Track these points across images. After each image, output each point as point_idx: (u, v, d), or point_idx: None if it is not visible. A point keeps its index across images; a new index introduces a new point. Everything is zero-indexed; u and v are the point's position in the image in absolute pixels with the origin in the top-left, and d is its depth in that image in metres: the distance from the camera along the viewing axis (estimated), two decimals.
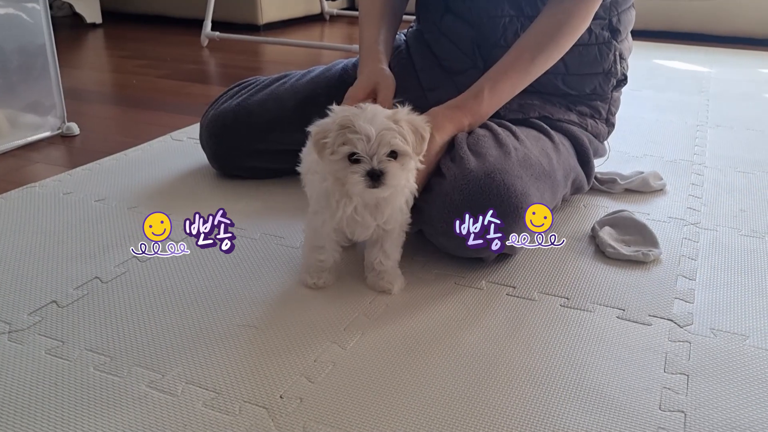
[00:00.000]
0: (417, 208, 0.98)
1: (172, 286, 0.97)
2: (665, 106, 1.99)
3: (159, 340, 0.85)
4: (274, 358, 0.82)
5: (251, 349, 0.83)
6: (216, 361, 0.81)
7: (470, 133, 1.06)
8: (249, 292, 0.96)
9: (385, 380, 0.78)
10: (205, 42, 2.80)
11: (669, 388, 0.78)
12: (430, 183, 0.99)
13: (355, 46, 2.57)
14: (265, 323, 0.88)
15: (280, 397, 0.75)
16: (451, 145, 1.03)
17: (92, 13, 3.22)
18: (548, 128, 1.16)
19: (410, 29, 1.34)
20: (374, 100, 1.06)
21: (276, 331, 0.87)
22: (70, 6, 3.18)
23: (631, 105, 1.86)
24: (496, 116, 1.12)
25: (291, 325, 0.88)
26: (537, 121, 1.17)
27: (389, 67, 1.31)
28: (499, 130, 1.07)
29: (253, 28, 3.15)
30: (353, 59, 1.38)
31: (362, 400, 0.75)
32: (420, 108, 1.17)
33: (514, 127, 1.10)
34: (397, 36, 1.37)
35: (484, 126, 1.08)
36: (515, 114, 1.15)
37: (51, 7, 3.41)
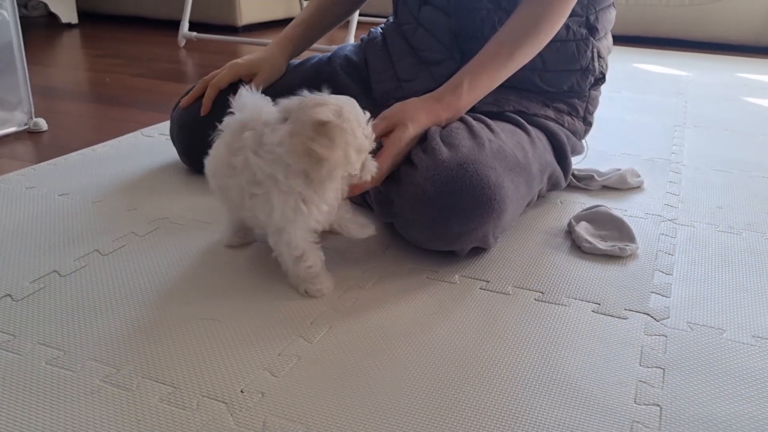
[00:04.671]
0: (387, 200, 0.96)
1: (132, 280, 0.93)
2: (644, 107, 1.98)
3: (116, 334, 0.81)
4: (237, 351, 0.78)
5: (213, 343, 0.80)
6: (175, 355, 0.77)
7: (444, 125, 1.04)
8: (213, 286, 0.92)
9: (351, 375, 0.75)
10: (182, 42, 2.77)
11: (644, 382, 0.76)
12: (401, 174, 0.96)
13: (334, 47, 2.56)
14: (228, 317, 0.85)
15: (241, 391, 0.72)
16: (424, 137, 1.00)
17: (68, 13, 3.17)
18: (524, 122, 1.14)
19: (387, 22, 1.32)
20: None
21: (239, 325, 0.83)
22: (45, 6, 3.13)
23: (610, 106, 1.86)
24: (471, 109, 1.10)
25: (255, 318, 0.85)
26: (513, 115, 1.15)
27: (365, 57, 1.29)
28: (474, 122, 1.05)
29: (231, 30, 3.13)
30: (327, 53, 1.36)
31: (326, 395, 0.72)
32: (396, 99, 1.15)
33: (489, 120, 1.08)
34: (373, 29, 1.35)
35: (458, 119, 1.06)
36: (490, 107, 1.13)
37: (26, 7, 3.38)
